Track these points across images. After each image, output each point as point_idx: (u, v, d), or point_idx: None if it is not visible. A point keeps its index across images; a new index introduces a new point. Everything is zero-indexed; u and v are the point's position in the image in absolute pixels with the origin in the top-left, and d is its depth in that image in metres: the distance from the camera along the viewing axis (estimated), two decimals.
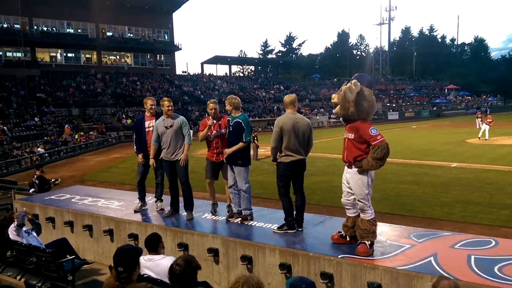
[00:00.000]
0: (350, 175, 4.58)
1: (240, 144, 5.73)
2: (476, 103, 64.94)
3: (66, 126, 31.93)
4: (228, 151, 5.76)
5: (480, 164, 16.09)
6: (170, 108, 6.19)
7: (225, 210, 6.37)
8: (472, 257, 4.22)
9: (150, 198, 7.22)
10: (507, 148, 20.75)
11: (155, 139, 6.36)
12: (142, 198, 6.92)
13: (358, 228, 4.60)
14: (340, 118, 4.84)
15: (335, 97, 4.61)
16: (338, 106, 4.59)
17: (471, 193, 11.36)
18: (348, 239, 4.79)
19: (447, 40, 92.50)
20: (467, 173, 14.35)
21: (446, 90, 71.73)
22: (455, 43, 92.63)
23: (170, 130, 6.20)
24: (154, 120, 6.56)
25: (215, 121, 6.11)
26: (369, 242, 4.49)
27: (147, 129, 6.63)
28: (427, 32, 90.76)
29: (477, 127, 28.90)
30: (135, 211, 6.76)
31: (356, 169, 4.47)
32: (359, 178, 4.48)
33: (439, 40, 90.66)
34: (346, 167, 4.66)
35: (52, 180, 10.70)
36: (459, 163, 16.53)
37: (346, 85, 4.41)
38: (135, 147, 6.85)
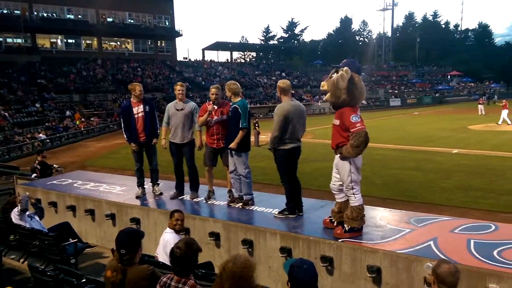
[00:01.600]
0: (336, 161, 4.62)
1: (240, 134, 5.70)
2: (479, 90, 64.55)
3: (77, 111, 32.55)
4: (233, 145, 5.70)
5: (482, 150, 16.07)
6: (180, 92, 6.35)
7: (226, 195, 6.40)
8: (472, 241, 4.24)
9: (149, 186, 7.27)
10: (509, 134, 20.70)
11: (166, 121, 6.51)
12: (142, 184, 6.94)
13: (345, 212, 4.65)
14: (330, 105, 4.81)
15: (325, 85, 4.57)
16: (329, 93, 4.56)
17: (471, 179, 11.38)
18: (335, 224, 4.82)
19: (451, 26, 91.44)
20: (468, 159, 14.35)
21: (449, 76, 71.17)
22: (459, 29, 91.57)
23: (181, 113, 6.33)
24: (142, 106, 6.54)
25: (215, 107, 6.08)
26: (349, 226, 4.53)
27: (136, 115, 6.54)
28: (430, 18, 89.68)
29: (479, 113, 28.57)
30: (137, 197, 6.78)
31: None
32: (342, 165, 4.50)
33: (443, 26, 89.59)
34: (334, 153, 4.69)
35: (55, 165, 10.73)
36: (460, 149, 16.51)
37: (337, 72, 4.38)
38: (125, 136, 6.72)
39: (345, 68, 4.33)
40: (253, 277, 2.51)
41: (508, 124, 24.03)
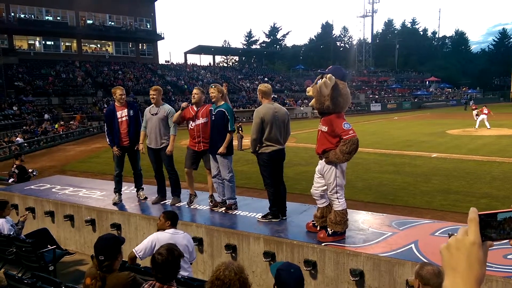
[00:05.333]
0: (321, 166, 4.63)
1: (228, 136, 5.70)
2: (456, 95, 66.18)
3: (79, 113, 32.99)
4: (222, 150, 5.66)
5: (460, 154, 16.43)
6: (152, 96, 6.38)
7: (207, 200, 6.36)
8: None
9: (132, 189, 7.17)
10: (486, 138, 21.25)
11: (144, 125, 6.49)
12: (119, 191, 6.80)
13: (328, 216, 4.68)
14: (315, 110, 4.85)
15: (310, 90, 4.59)
16: (314, 99, 4.59)
17: (450, 183, 11.61)
18: (318, 228, 4.84)
19: (429, 33, 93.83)
20: (447, 163, 14.65)
21: (427, 82, 72.81)
22: (437, 36, 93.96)
23: (155, 117, 6.33)
24: (126, 110, 6.48)
25: (189, 105, 6.13)
26: (332, 230, 4.56)
27: (119, 119, 6.48)
28: (409, 25, 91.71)
29: (475, 118, 29.11)
30: (114, 204, 6.64)
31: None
32: (327, 169, 4.52)
33: (421, 33, 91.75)
34: (319, 158, 4.70)
35: (30, 170, 10.47)
36: (439, 153, 16.85)
37: (321, 79, 4.41)
38: (107, 139, 6.65)
39: (329, 75, 4.35)
40: (249, 280, 2.51)
41: (475, 128, 24.69)
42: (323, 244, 4.52)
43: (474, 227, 0.84)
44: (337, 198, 4.53)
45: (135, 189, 6.95)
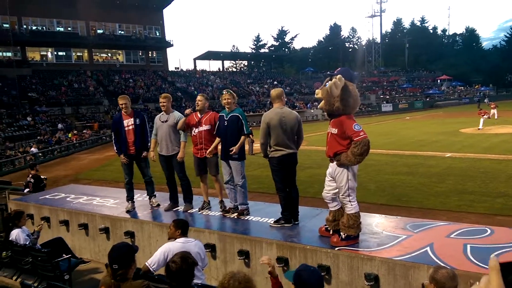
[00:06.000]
0: (332, 169, 4.58)
1: (242, 138, 5.73)
2: (469, 93, 65.29)
3: (92, 121, 33.88)
4: (235, 149, 5.65)
5: (474, 153, 16.19)
6: (162, 103, 6.46)
7: (218, 206, 6.36)
8: (468, 246, 4.24)
9: (144, 196, 7.21)
10: (501, 137, 20.90)
11: (154, 133, 6.56)
12: (131, 198, 6.86)
13: (341, 219, 4.63)
14: (324, 113, 4.81)
15: (319, 92, 4.54)
16: (323, 101, 4.55)
17: (465, 183, 11.43)
18: (331, 232, 4.80)
19: (439, 31, 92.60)
20: (461, 163, 14.43)
21: (439, 80, 71.96)
22: (447, 33, 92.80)
23: (165, 124, 6.39)
24: (132, 119, 6.53)
25: (192, 112, 6.20)
26: (345, 234, 4.52)
27: (126, 128, 6.54)
28: (418, 24, 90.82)
29: (496, 118, 28.78)
30: (127, 211, 6.69)
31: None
32: (339, 172, 4.47)
33: (431, 31, 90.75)
34: (329, 161, 4.66)
35: (42, 177, 10.65)
36: (453, 153, 16.62)
37: (331, 80, 4.39)
38: (115, 148, 6.73)
39: (339, 76, 4.33)
40: None
41: (479, 128, 24.29)
42: (336, 248, 4.48)
43: (496, 276, 0.83)
44: (350, 201, 4.48)
45: (148, 197, 6.99)
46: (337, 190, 4.59)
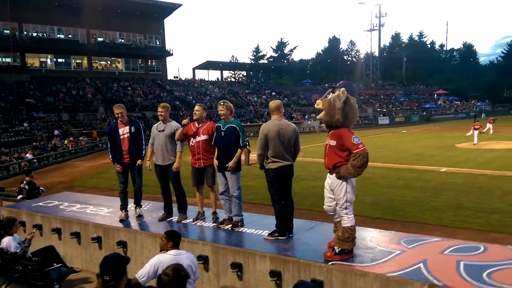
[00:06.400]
0: (331, 180, 4.57)
1: (239, 151, 5.71)
2: (465, 108, 65.74)
3: (89, 129, 33.57)
4: (231, 164, 5.64)
5: (469, 168, 16.23)
6: (160, 113, 6.45)
7: (211, 217, 6.33)
8: (461, 263, 4.23)
9: (131, 205, 7.16)
10: (496, 152, 20.99)
11: (151, 142, 6.55)
12: (125, 207, 6.83)
13: (336, 233, 4.61)
14: (322, 124, 4.82)
15: (319, 103, 4.56)
16: (323, 112, 4.56)
17: (460, 198, 11.44)
18: None
19: (436, 46, 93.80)
20: (456, 178, 14.46)
21: (435, 95, 72.49)
22: (444, 48, 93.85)
23: (162, 134, 6.39)
24: (127, 127, 6.52)
25: (189, 122, 6.20)
26: (339, 248, 4.50)
27: (121, 136, 6.52)
28: (416, 38, 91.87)
29: (491, 132, 29.11)
30: (121, 220, 6.65)
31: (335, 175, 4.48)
32: (338, 184, 4.47)
33: (429, 45, 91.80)
34: (328, 173, 4.66)
35: (39, 187, 10.58)
36: (448, 167, 16.66)
37: (333, 92, 4.42)
38: (110, 156, 6.71)
39: (342, 89, 4.38)
40: None
41: (474, 144, 24.42)
42: (330, 263, 4.45)
43: None
44: (347, 214, 4.48)
45: (134, 205, 6.92)
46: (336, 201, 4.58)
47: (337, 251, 4.51)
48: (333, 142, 4.47)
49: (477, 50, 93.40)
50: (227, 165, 5.67)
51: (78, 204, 7.92)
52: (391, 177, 15.01)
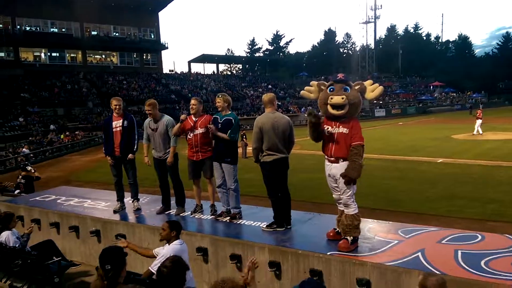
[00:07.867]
0: (335, 170, 4.56)
1: (225, 136, 5.68)
2: (461, 100, 65.92)
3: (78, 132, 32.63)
4: (218, 134, 5.67)
5: (465, 159, 16.33)
6: (147, 110, 6.32)
7: (209, 210, 6.34)
8: (459, 252, 4.27)
9: (129, 199, 7.16)
10: (492, 143, 21.11)
11: (146, 138, 6.51)
12: (121, 199, 6.85)
13: (342, 223, 4.63)
14: (323, 114, 4.78)
15: (345, 97, 4.40)
16: (349, 106, 4.42)
17: (457, 188, 11.53)
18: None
19: (432, 38, 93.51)
20: (452, 168, 14.55)
21: (431, 87, 72.59)
22: (440, 40, 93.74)
23: (156, 132, 6.35)
24: (121, 121, 6.50)
25: (187, 116, 6.18)
26: (351, 237, 4.52)
27: (114, 129, 6.51)
28: (412, 30, 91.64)
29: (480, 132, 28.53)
30: (115, 212, 6.68)
31: (344, 163, 4.47)
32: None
33: (424, 38, 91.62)
34: (330, 162, 4.63)
35: (33, 171, 10.52)
36: (444, 158, 16.75)
37: (348, 85, 4.53)
38: (103, 148, 6.73)
39: (368, 81, 4.60)
40: None
41: (480, 134, 24.44)
42: (328, 253, 4.48)
43: None
44: (353, 202, 4.57)
45: (131, 199, 6.93)
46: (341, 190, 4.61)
47: (350, 240, 4.51)
48: (346, 130, 4.47)
49: (473, 42, 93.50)
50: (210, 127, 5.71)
51: (75, 198, 7.90)
52: (387, 168, 15.08)
